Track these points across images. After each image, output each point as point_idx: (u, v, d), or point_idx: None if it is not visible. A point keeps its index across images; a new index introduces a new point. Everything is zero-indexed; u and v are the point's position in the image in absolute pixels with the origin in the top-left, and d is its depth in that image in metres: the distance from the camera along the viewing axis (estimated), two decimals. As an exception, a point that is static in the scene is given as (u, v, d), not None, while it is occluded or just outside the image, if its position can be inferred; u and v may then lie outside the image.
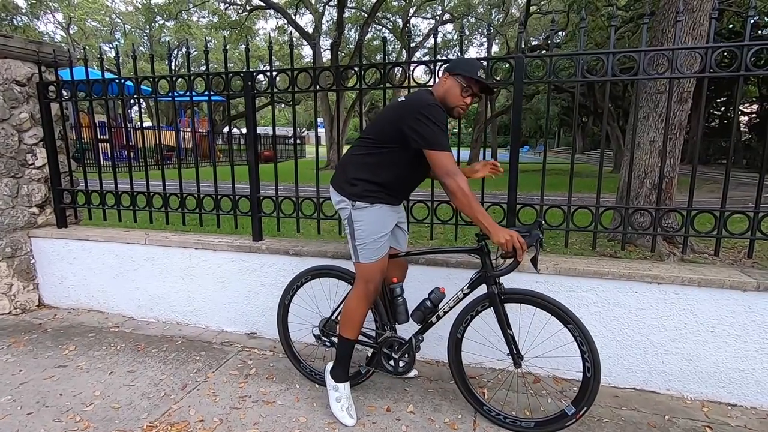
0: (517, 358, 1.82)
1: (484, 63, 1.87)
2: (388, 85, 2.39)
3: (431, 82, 2.32)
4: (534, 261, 1.70)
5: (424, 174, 1.92)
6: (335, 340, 2.14)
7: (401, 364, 1.97)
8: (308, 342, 2.38)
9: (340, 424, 1.89)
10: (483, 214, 1.67)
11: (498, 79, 2.29)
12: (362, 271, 1.86)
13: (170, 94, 2.71)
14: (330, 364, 2.01)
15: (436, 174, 1.72)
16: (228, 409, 2.00)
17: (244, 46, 2.71)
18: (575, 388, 2.15)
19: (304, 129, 40.58)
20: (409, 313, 1.95)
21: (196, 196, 2.85)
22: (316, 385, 2.19)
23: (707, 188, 11.90)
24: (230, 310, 2.79)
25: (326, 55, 20.91)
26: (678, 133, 4.23)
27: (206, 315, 2.86)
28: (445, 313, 1.91)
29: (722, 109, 23.12)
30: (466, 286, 1.87)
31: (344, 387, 1.95)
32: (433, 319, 1.92)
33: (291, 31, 17.02)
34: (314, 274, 2.18)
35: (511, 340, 1.82)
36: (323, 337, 2.15)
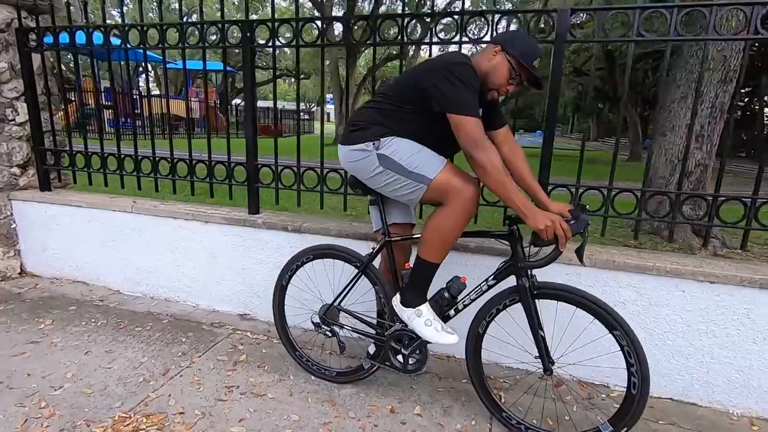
0: (548, 363, 1.56)
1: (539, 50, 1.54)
2: (406, 39, 2.07)
3: (457, 38, 2.00)
4: (579, 252, 1.42)
5: (449, 148, 1.63)
6: (337, 329, 1.90)
7: (411, 361, 1.72)
8: (306, 328, 2.15)
9: (437, 341, 1.58)
10: (517, 194, 1.39)
11: (537, 37, 1.96)
12: (443, 186, 1.47)
13: (160, 45, 2.41)
14: (397, 297, 1.67)
15: (461, 143, 1.43)
16: (212, 401, 1.78)
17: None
18: (604, 395, 1.91)
19: (313, 105, 39.96)
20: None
21: (187, 161, 2.58)
22: (312, 378, 1.96)
23: (726, 182, 11.43)
24: (222, 289, 2.56)
25: (338, 28, 20.23)
26: (718, 117, 3.86)
27: (197, 292, 2.62)
28: (465, 306, 1.64)
29: (746, 99, 22.20)
30: (491, 277, 1.61)
31: (426, 308, 1.61)
32: (451, 312, 1.66)
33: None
34: (318, 254, 1.92)
35: (542, 342, 1.56)
36: (323, 326, 1.90)
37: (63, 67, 2.91)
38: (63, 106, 3.05)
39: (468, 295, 1.64)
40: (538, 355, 1.57)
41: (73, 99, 7.91)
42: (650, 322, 1.87)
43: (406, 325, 1.70)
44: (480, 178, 1.43)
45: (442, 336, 1.57)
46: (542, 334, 1.56)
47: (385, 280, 1.78)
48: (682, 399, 1.90)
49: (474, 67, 1.47)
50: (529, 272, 1.55)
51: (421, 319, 1.59)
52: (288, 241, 2.35)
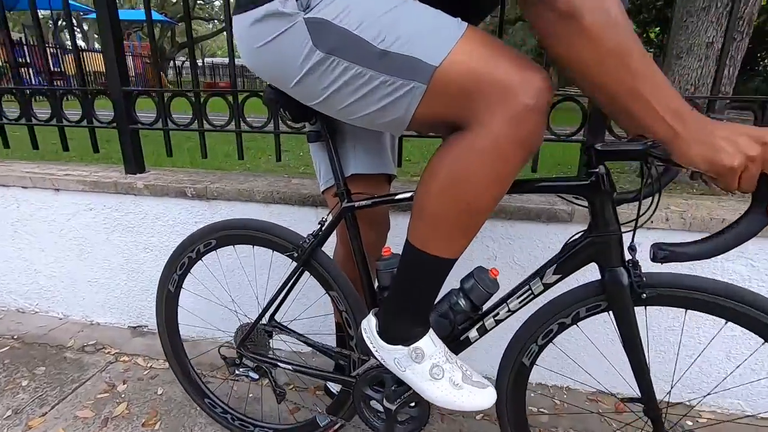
0: (655, 411, 0.83)
1: None
2: None
3: None
4: None
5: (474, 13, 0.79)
6: (268, 365, 1.09)
7: (401, 419, 0.95)
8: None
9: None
10: (657, 81, 0.56)
11: None
12: (467, 78, 0.60)
13: None
14: (371, 321, 0.84)
15: None
16: None
17: None
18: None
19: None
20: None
21: (14, 90, 1.59)
22: (235, 439, 1.18)
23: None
24: (100, 291, 1.67)
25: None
26: (744, 32, 3.19)
27: (63, 298, 1.73)
28: (499, 322, 0.87)
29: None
30: (550, 268, 0.82)
31: (428, 343, 0.79)
32: (472, 332, 0.88)
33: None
34: (223, 238, 1.07)
35: (647, 378, 0.82)
36: (243, 362, 1.09)
37: None
38: None
39: (505, 303, 0.86)
40: (638, 397, 0.84)
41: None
42: (770, 312, 1.19)
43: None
44: (575, 52, 0.57)
45: (465, 397, 0.79)
46: (647, 364, 0.82)
47: (346, 280, 0.98)
48: (806, 419, 1.27)
49: None
50: (629, 258, 0.78)
51: (423, 367, 0.79)
52: (190, 214, 1.48)
